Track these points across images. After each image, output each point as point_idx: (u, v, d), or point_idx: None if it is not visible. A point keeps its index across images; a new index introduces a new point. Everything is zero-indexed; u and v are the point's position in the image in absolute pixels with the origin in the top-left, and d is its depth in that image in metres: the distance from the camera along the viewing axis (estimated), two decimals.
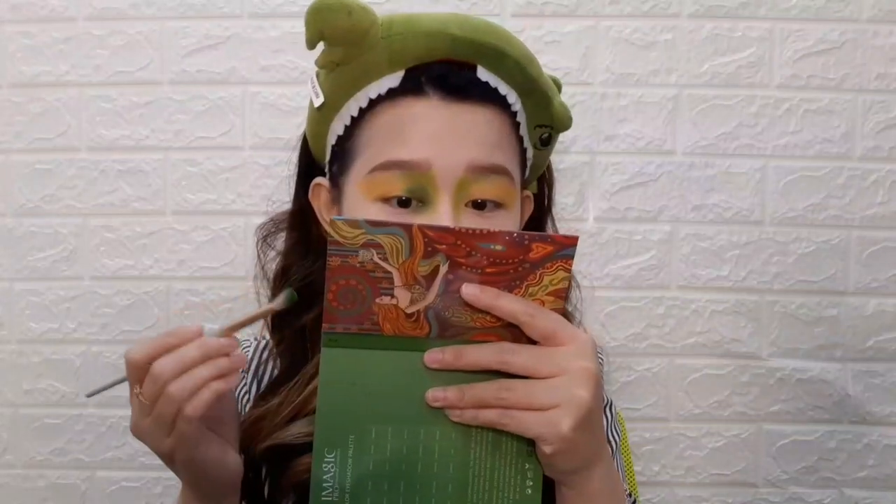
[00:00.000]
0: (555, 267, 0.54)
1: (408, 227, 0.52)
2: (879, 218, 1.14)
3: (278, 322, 0.76)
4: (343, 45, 0.66)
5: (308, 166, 0.77)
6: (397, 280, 0.53)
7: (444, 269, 0.53)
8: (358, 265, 0.52)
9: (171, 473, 0.62)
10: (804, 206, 1.14)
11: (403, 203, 0.65)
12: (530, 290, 0.54)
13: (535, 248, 0.53)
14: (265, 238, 0.80)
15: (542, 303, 0.55)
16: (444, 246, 0.52)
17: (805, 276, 1.14)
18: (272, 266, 0.80)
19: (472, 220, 0.65)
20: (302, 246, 0.77)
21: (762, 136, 1.13)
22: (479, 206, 0.66)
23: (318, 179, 0.74)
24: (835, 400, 1.15)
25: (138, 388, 0.58)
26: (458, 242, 0.52)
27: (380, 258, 0.52)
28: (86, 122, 1.14)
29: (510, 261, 0.53)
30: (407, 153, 0.65)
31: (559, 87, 0.75)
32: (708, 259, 1.15)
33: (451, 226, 0.53)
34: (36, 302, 1.16)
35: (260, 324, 0.79)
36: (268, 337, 0.80)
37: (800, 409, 1.15)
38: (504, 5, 1.13)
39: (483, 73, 0.67)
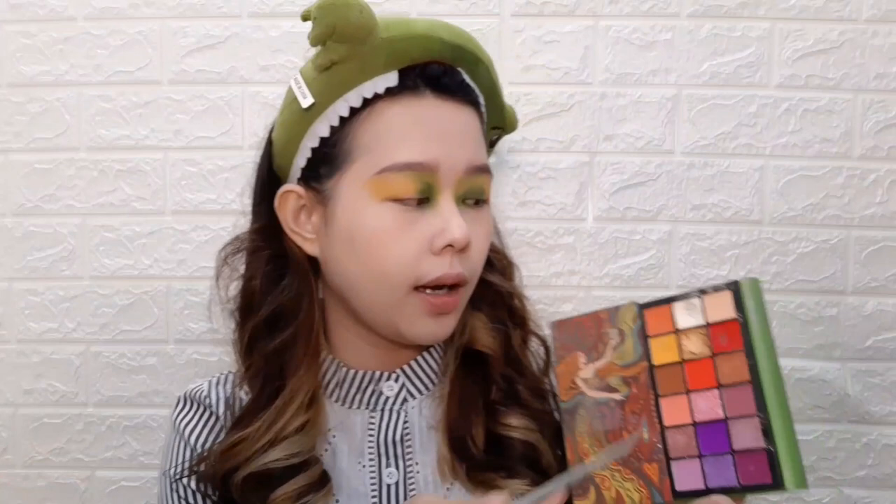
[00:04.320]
0: None
1: None
2: (878, 217, 1.14)
3: (248, 348, 0.75)
4: (349, 43, 0.67)
5: (270, 177, 0.76)
6: None
7: None
8: None
9: None
10: (803, 206, 1.14)
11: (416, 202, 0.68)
12: None
13: None
14: (225, 260, 0.78)
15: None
16: None
17: (804, 276, 1.15)
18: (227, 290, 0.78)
19: (468, 217, 0.69)
20: (272, 265, 0.75)
21: (761, 136, 1.14)
22: (472, 202, 0.71)
23: (287, 186, 0.73)
24: (834, 399, 1.15)
25: None
26: None
27: None
28: (85, 122, 1.14)
29: None
30: (419, 154, 0.67)
31: None
32: (707, 259, 1.15)
33: None
34: (35, 301, 1.16)
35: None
36: (226, 371, 0.79)
37: (799, 408, 1.15)
38: (503, 5, 1.13)
39: (464, 76, 0.71)
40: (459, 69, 0.70)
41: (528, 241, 1.14)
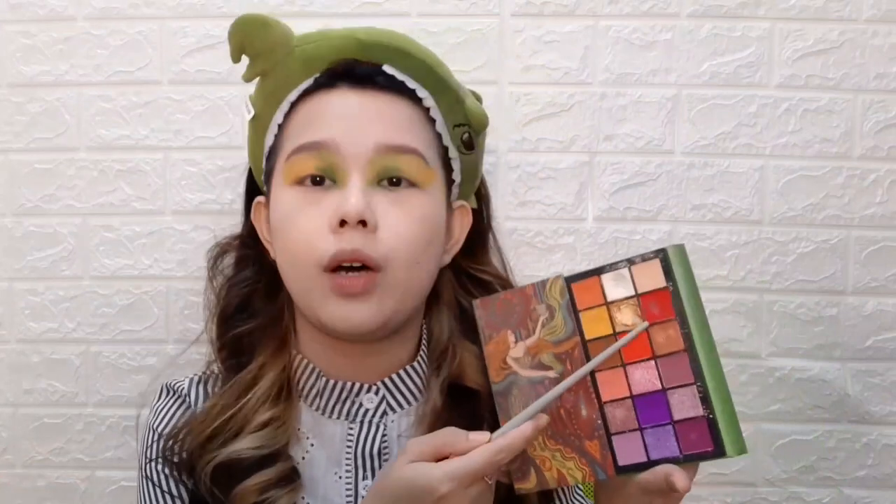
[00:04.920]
0: None
1: None
2: (878, 217, 1.14)
3: (223, 331, 0.80)
4: (262, 56, 0.73)
5: (253, 190, 0.82)
6: None
7: None
8: None
9: None
10: (803, 206, 1.14)
11: (317, 182, 0.70)
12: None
13: None
14: (215, 261, 0.85)
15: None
16: None
17: (804, 276, 1.14)
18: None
19: (384, 198, 0.69)
20: (246, 262, 0.81)
21: (761, 136, 1.13)
22: (394, 183, 0.70)
23: (258, 198, 0.78)
24: (834, 399, 1.15)
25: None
26: None
27: None
28: (85, 122, 1.14)
29: None
30: (316, 135, 0.69)
31: (479, 99, 0.80)
32: (707, 259, 1.15)
33: None
34: (35, 302, 1.16)
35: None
36: (206, 371, 0.82)
37: (798, 408, 1.15)
38: (503, 5, 1.13)
39: (389, 69, 0.72)
40: (386, 64, 0.72)
41: (528, 241, 1.14)
